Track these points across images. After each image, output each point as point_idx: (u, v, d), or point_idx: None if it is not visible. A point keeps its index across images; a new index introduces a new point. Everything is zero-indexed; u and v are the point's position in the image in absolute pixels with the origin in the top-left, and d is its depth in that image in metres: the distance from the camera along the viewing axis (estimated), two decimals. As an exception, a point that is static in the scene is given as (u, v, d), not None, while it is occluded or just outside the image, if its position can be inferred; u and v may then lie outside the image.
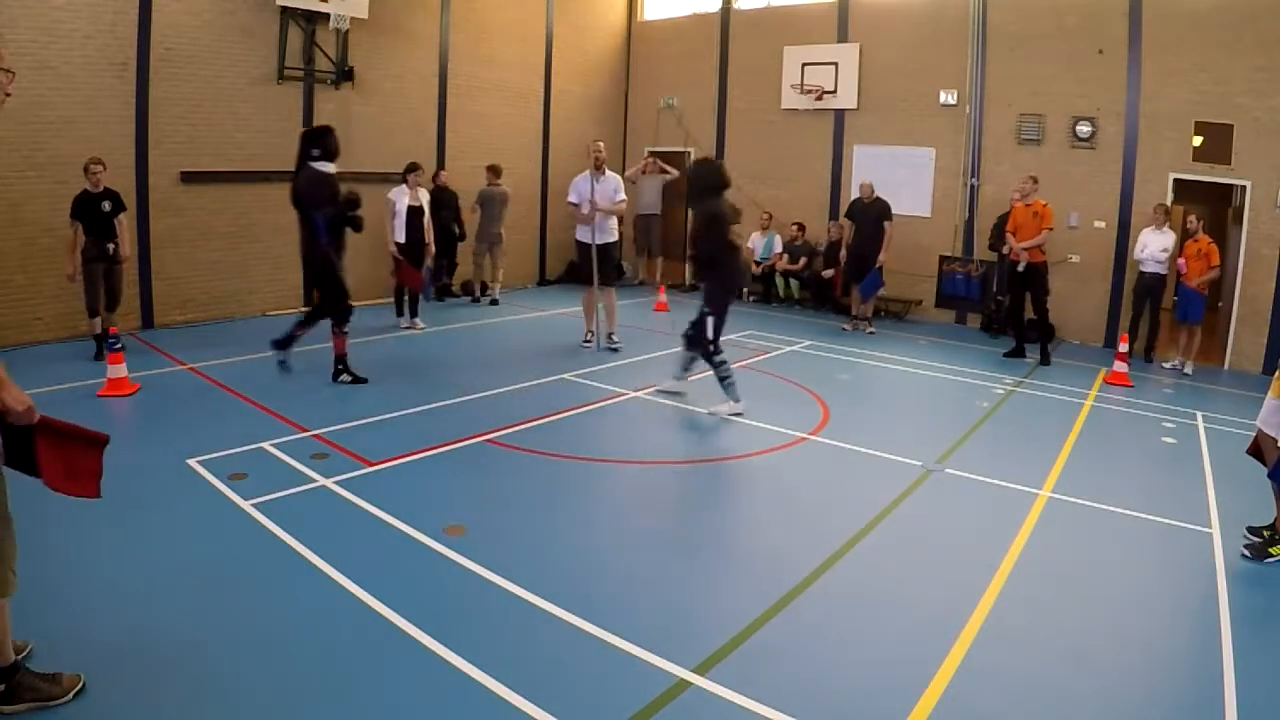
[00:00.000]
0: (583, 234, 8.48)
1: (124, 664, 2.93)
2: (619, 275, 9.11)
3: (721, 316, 6.30)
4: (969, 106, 10.94)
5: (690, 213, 6.61)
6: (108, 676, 2.83)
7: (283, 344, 6.70)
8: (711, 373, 6.49)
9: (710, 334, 6.27)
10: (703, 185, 6.39)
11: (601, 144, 8.50)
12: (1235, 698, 3.01)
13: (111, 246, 7.26)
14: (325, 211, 6.35)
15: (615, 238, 8.60)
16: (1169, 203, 9.60)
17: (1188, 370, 8.94)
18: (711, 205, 6.30)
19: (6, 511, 2.57)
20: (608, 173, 8.42)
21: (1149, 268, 9.20)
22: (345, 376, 6.77)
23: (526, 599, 3.52)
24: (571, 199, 8.43)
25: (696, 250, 6.43)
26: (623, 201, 8.46)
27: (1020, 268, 8.74)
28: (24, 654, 2.84)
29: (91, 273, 7.15)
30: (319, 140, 6.39)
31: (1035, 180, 8.86)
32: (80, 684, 2.74)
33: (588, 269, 8.46)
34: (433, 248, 9.47)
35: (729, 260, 6.35)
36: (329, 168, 6.38)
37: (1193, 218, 8.87)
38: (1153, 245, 9.13)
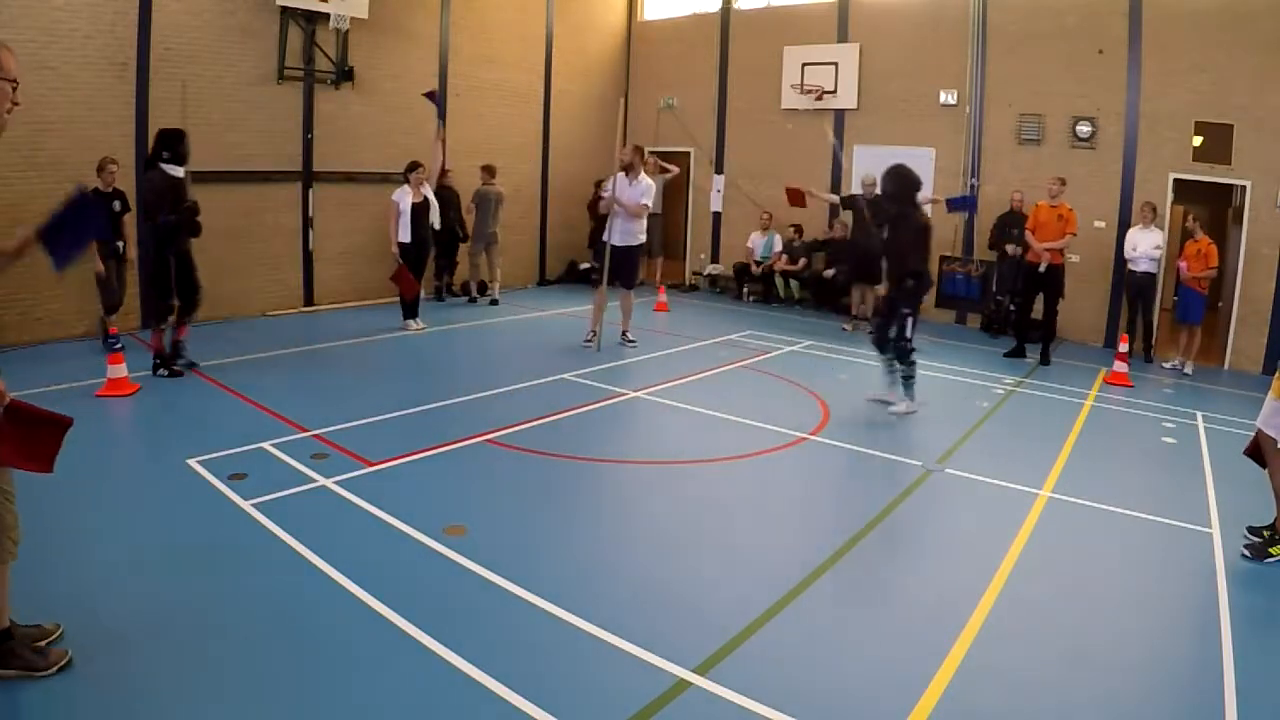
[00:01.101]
0: (605, 235, 8.51)
1: (124, 664, 2.93)
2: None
3: (918, 316, 6.66)
4: (969, 106, 10.94)
5: (892, 223, 6.63)
6: (107, 674, 2.84)
7: (170, 360, 6.82)
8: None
9: (909, 333, 6.57)
10: (906, 191, 6.49)
11: (629, 148, 8.58)
12: (1235, 698, 3.01)
13: (120, 245, 7.53)
14: (168, 214, 6.44)
15: (638, 242, 8.59)
16: (1169, 202, 9.62)
17: (1187, 370, 8.93)
18: (919, 214, 6.65)
19: (8, 485, 2.69)
20: (642, 176, 8.44)
21: (1141, 266, 9.19)
22: (161, 371, 6.75)
23: (526, 599, 3.52)
24: (604, 193, 8.58)
25: (908, 258, 6.49)
26: (645, 205, 8.47)
27: (1041, 268, 8.71)
28: (55, 636, 2.98)
29: (105, 269, 7.39)
30: (171, 143, 6.47)
31: (1063, 182, 8.83)
32: (66, 659, 2.84)
33: (601, 269, 8.52)
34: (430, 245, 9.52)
35: (927, 266, 6.74)
36: (178, 171, 6.50)
37: (1191, 218, 8.86)
38: (1143, 244, 9.12)
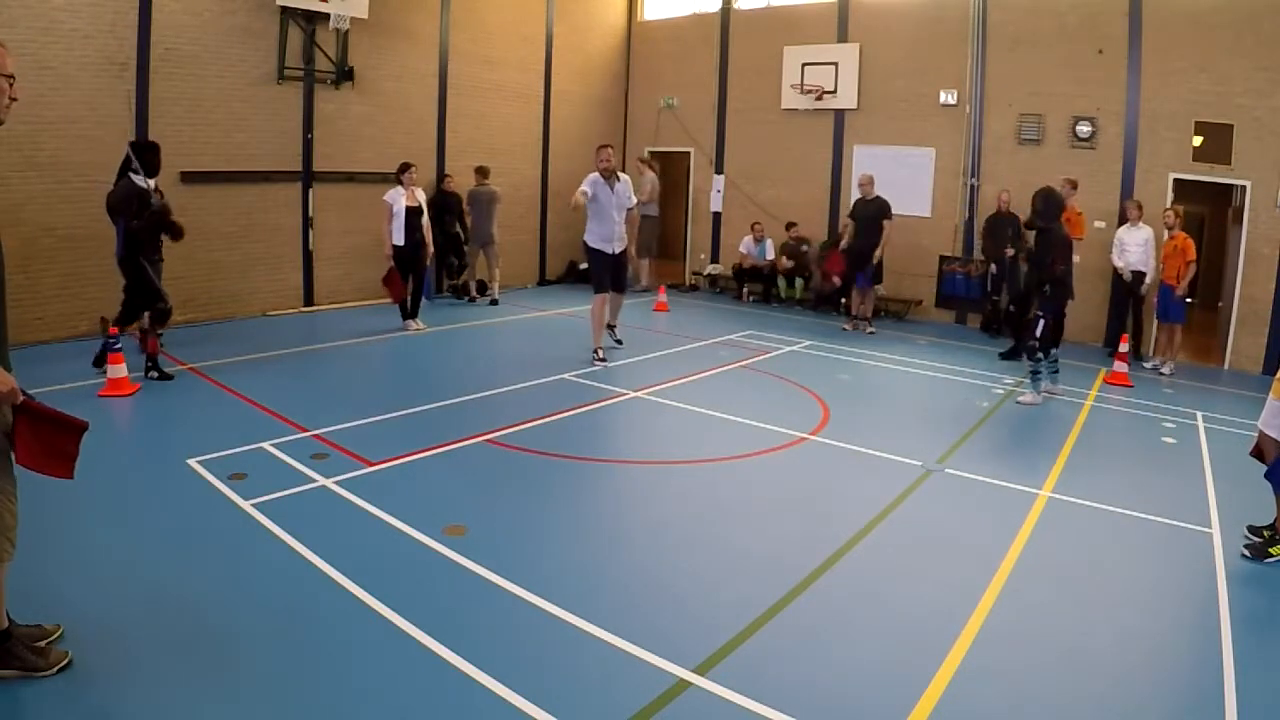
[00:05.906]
0: (600, 243, 8.16)
1: (124, 664, 2.93)
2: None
3: (1051, 321, 7.29)
4: (969, 106, 10.94)
5: (1039, 236, 7.32)
6: (107, 675, 2.84)
7: (150, 367, 6.72)
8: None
9: (1038, 333, 7.25)
10: (1053, 212, 7.20)
11: (610, 149, 8.27)
12: (1235, 697, 3.01)
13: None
14: (132, 223, 6.49)
15: (625, 245, 8.36)
16: (1170, 202, 9.60)
17: (1165, 370, 8.82)
18: (1064, 230, 7.34)
19: (10, 485, 2.69)
20: (621, 177, 8.24)
21: (1129, 264, 9.11)
22: (154, 373, 6.72)
23: (526, 599, 3.52)
24: (584, 188, 8.03)
25: (1052, 270, 7.22)
26: (635, 207, 8.44)
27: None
28: (55, 637, 2.96)
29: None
30: (141, 155, 6.58)
31: (1075, 185, 8.73)
32: (66, 660, 2.83)
33: (603, 277, 8.20)
34: (431, 248, 9.42)
35: (1070, 277, 7.40)
36: (145, 182, 6.57)
37: (1170, 214, 8.77)
38: (1130, 243, 9.03)
